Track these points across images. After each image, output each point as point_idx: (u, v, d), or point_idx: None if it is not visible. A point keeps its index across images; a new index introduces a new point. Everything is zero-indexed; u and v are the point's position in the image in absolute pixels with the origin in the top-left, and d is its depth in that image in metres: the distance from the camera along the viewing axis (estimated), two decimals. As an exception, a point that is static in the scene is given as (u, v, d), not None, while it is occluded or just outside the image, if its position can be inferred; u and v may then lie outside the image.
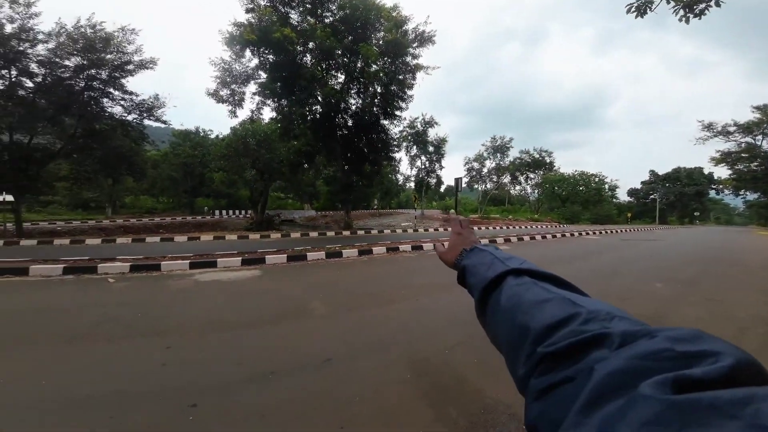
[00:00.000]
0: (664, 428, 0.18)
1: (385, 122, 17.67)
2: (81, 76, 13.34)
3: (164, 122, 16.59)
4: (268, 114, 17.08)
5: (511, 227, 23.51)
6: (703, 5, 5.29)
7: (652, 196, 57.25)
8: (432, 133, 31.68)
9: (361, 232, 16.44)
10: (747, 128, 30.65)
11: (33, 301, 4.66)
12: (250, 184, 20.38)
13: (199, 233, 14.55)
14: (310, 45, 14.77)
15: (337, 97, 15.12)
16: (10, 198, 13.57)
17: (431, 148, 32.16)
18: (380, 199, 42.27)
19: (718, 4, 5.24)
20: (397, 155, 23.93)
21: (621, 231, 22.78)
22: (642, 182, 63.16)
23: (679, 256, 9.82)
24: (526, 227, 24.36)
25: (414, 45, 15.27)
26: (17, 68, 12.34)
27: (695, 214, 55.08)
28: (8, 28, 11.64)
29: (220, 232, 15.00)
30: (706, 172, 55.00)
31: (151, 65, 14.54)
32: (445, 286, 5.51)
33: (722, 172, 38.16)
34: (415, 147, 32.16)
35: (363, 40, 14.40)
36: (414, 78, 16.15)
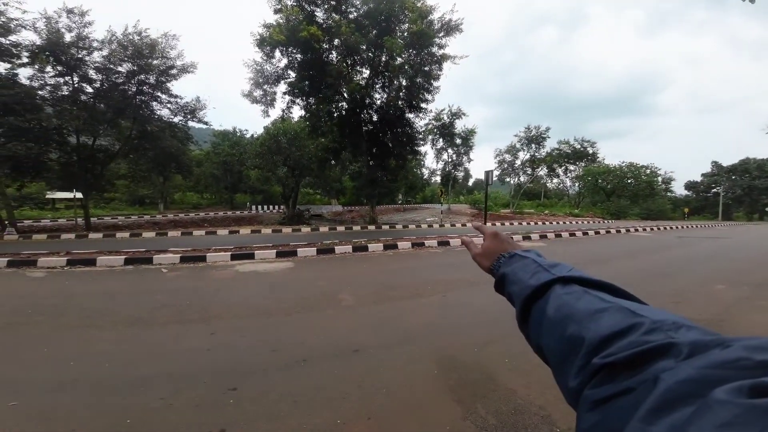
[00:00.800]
0: (744, 428, 0.17)
1: (411, 115, 17.39)
2: (132, 81, 14.46)
3: (206, 123, 17.61)
4: (297, 113, 17.46)
5: (547, 223, 21.86)
6: None
7: (714, 190, 50.91)
8: (459, 125, 30.40)
9: (386, 227, 16.48)
10: None
11: (100, 288, 5.23)
12: (282, 180, 21.18)
13: (239, 227, 15.42)
14: (336, 42, 14.81)
15: (362, 92, 15.10)
16: (79, 195, 15.24)
17: (458, 141, 31.03)
18: (404, 194, 41.74)
19: None
20: (422, 149, 23.49)
21: (677, 227, 20.47)
22: (703, 174, 56.19)
23: (748, 256, 8.65)
24: (564, 223, 22.47)
25: (440, 35, 14.76)
26: (78, 74, 13.62)
27: (767, 209, 47.85)
28: (67, 37, 12.82)
29: (257, 226, 15.79)
30: None
31: (192, 69, 15.40)
32: (473, 283, 5.36)
33: None
34: (441, 140, 31.17)
35: (387, 33, 14.18)
36: (440, 68, 15.66)
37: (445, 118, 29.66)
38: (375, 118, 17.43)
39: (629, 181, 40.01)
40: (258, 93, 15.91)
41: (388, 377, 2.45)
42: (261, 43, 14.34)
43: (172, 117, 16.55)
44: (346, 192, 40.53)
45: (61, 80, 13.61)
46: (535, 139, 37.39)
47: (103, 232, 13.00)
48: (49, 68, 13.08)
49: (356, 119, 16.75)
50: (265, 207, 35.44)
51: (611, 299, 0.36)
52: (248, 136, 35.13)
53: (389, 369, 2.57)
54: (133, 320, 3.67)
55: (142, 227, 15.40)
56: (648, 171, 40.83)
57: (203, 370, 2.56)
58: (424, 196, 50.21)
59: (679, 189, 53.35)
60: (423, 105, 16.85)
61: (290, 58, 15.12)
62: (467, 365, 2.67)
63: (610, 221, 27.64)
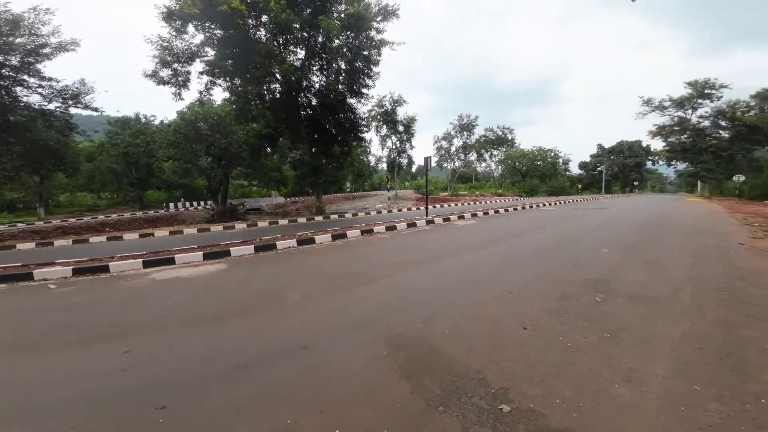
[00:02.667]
0: None
1: (352, 101, 17.22)
2: None
3: (95, 109, 15.03)
4: (220, 95, 15.97)
5: (478, 203, 25.25)
6: None
7: (599, 168, 63.18)
8: (401, 113, 31.53)
9: (334, 217, 16.27)
10: (679, 103, 34.26)
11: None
12: (206, 172, 19.21)
13: (153, 229, 13.59)
14: (264, 18, 13.77)
15: (298, 74, 14.41)
16: None
17: (401, 128, 32.10)
18: (353, 181, 42.11)
19: None
20: (367, 136, 23.61)
21: (573, 201, 24.98)
22: (590, 155, 69.93)
23: (622, 224, 10.76)
24: (491, 201, 26.43)
25: (377, 19, 14.79)
26: None
27: (635, 183, 62.55)
28: None
29: (177, 227, 14.12)
30: (644, 144, 61.99)
31: (72, 47, 12.96)
32: (419, 263, 5.78)
33: (658, 144, 43.37)
34: (385, 127, 31.92)
35: (323, 12, 13.68)
36: (379, 54, 15.74)
37: (387, 105, 30.39)
38: (314, 102, 16.85)
39: (539, 163, 48.71)
40: (166, 73, 14.03)
41: (339, 368, 2.48)
42: (168, 16, 12.61)
43: (46, 104, 13.73)
44: (287, 182, 38.70)
45: None
46: (466, 126, 43.17)
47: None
48: None
49: (293, 103, 15.96)
50: (187, 204, 31.83)
51: None
52: (157, 122, 30.85)
53: (340, 359, 2.60)
54: (22, 345, 3.03)
55: (15, 237, 12.57)
56: (552, 154, 50.24)
57: (122, 391, 2.26)
58: (372, 183, 52.06)
59: (574, 168, 65.69)
60: (364, 90, 16.82)
61: (208, 34, 13.63)
62: (413, 341, 2.85)
63: (525, 198, 33.45)
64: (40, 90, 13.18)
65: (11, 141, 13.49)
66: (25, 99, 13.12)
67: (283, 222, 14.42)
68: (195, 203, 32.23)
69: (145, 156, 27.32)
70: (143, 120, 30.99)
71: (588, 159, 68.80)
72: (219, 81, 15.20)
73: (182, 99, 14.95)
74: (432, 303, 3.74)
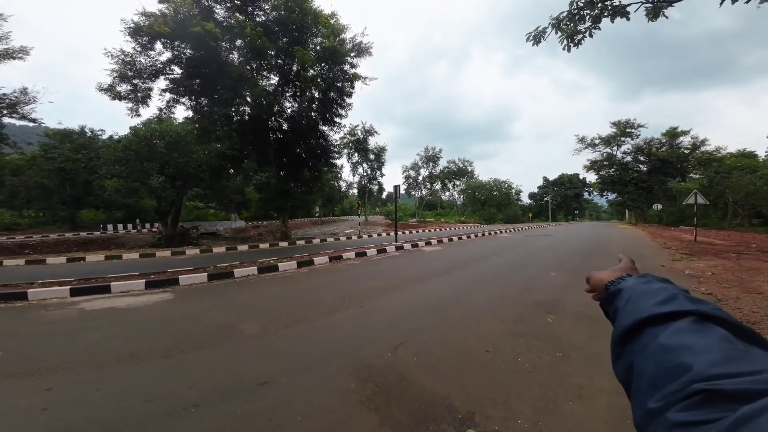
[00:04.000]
0: None
1: (325, 128, 17.64)
2: None
3: (33, 120, 13.89)
4: (182, 113, 15.56)
5: (443, 229, 27.11)
6: (580, 36, 6.82)
7: (546, 198, 71.73)
8: (372, 142, 33.54)
9: (301, 242, 15.83)
10: (607, 141, 41.19)
11: None
12: (156, 192, 17.99)
13: (84, 253, 12.21)
14: (238, 42, 14.08)
15: (269, 99, 14.61)
16: None
17: (372, 156, 33.63)
18: (322, 206, 42.05)
19: (590, 35, 6.86)
20: (338, 162, 24.07)
21: (525, 228, 28.00)
22: (538, 187, 79.23)
23: (566, 248, 12.07)
24: (455, 228, 28.54)
25: (351, 54, 15.75)
26: None
27: (575, 212, 72.19)
28: None
29: (115, 251, 12.84)
30: (581, 177, 71.51)
31: (20, 55, 12.23)
32: (387, 289, 5.82)
33: (592, 177, 50.18)
34: (356, 154, 33.21)
35: (299, 43, 14.32)
36: (352, 86, 16.57)
37: (359, 134, 31.82)
38: (285, 126, 16.99)
39: (495, 193, 54.92)
40: (124, 88, 13.53)
41: (303, 403, 2.35)
42: (136, 32, 12.46)
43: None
44: (250, 205, 37.22)
45: None
46: (431, 158, 47.34)
47: None
48: None
49: (262, 126, 15.96)
50: (129, 226, 29.20)
51: (746, 346, 0.37)
52: (105, 137, 28.94)
53: (303, 394, 2.48)
54: None
55: None
56: (506, 185, 57.01)
57: (33, 440, 1.93)
58: (342, 209, 53.12)
59: (525, 198, 74.48)
60: (336, 119, 17.38)
61: (176, 53, 13.55)
62: (381, 371, 2.82)
63: (483, 225, 37.10)
64: None
65: None
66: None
67: (243, 248, 13.74)
68: (139, 225, 29.72)
69: (85, 172, 25.20)
70: (89, 134, 28.89)
71: (536, 190, 78.12)
72: (183, 99, 14.89)
73: (139, 115, 14.34)
74: (400, 330, 3.76)
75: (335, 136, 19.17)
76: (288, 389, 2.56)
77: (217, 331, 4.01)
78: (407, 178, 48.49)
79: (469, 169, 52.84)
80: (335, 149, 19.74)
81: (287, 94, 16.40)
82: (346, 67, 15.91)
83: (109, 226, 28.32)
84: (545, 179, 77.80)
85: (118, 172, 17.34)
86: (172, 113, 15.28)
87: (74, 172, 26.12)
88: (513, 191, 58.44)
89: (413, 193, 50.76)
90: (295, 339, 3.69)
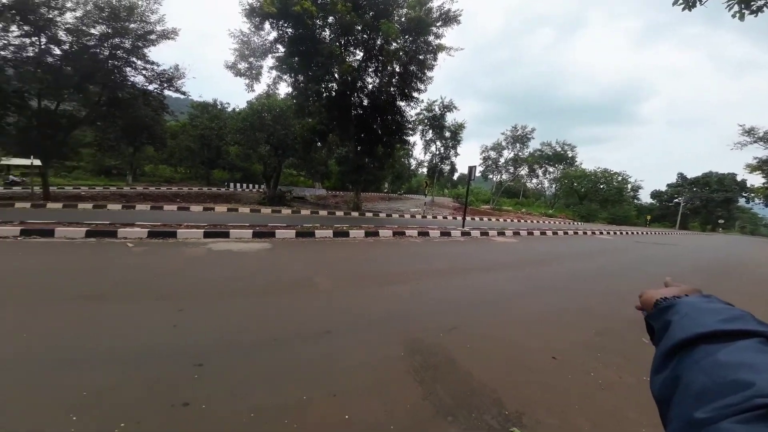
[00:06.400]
0: None
1: (402, 104, 17.29)
2: (105, 45, 13.46)
3: (183, 93, 16.72)
4: (284, 89, 17.00)
5: (522, 221, 23.25)
6: (762, 1, 4.79)
7: (676, 200, 54.61)
8: (450, 118, 30.58)
9: (369, 215, 16.54)
10: None
11: (57, 261, 4.96)
12: (264, 159, 20.60)
13: (214, 204, 14.93)
14: (330, 19, 14.33)
15: (354, 75, 14.80)
16: (38, 162, 14.18)
17: (447, 134, 31.27)
18: (391, 182, 42.07)
19: None
20: (411, 138, 23.56)
21: (637, 233, 21.95)
22: (668, 185, 60.67)
23: (690, 263, 9.60)
24: (538, 222, 23.92)
25: (438, 24, 14.62)
26: (47, 36, 12.53)
27: (720, 221, 52.55)
28: None
29: (234, 205, 15.36)
30: (739, 179, 52.17)
31: (173, 36, 14.51)
32: (447, 272, 5.63)
33: (757, 180, 34.98)
34: (431, 131, 31.32)
35: (384, 16, 13.87)
36: (435, 59, 15.57)
37: (437, 109, 29.74)
38: (365, 102, 17.20)
39: (602, 186, 42.77)
40: (243, 66, 15.25)
41: (357, 358, 2.53)
42: (250, 13, 13.67)
43: (147, 84, 15.61)
44: (331, 176, 39.95)
45: (27, 41, 12.48)
46: (520, 138, 38.80)
47: (63, 202, 12.24)
48: (14, 27, 11.95)
49: (346, 102, 16.46)
50: (244, 185, 34.39)
51: None
52: (230, 109, 33.66)
53: (358, 350, 2.65)
54: (93, 295, 3.53)
55: (107, 199, 14.60)
56: (620, 178, 43.74)
57: (168, 346, 2.53)
58: (410, 186, 50.87)
59: (645, 197, 57.32)
60: (415, 94, 16.78)
61: (280, 32, 14.52)
62: (431, 349, 2.79)
63: (579, 223, 29.61)
64: (144, 72, 14.98)
65: (117, 115, 15.63)
66: (131, 79, 15.04)
67: (323, 213, 15.00)
68: (250, 185, 34.71)
69: (216, 139, 30.03)
70: (219, 106, 34.02)
71: (664, 188, 60.19)
72: (285, 77, 16.16)
73: (253, 91, 16.20)
74: (456, 315, 3.62)
75: (411, 112, 18.64)
76: (346, 343, 2.78)
77: (298, 280, 4.53)
78: (486, 159, 41.28)
79: (569, 155, 43.20)
80: (410, 125, 19.27)
81: (369, 70, 16.35)
82: (431, 37, 14.90)
83: (231, 185, 33.83)
84: (681, 176, 59.21)
85: (238, 140, 20.23)
86: (277, 89, 16.84)
87: (209, 138, 31.39)
88: (628, 186, 44.93)
89: (491, 176, 43.22)
90: (358, 299, 3.93)
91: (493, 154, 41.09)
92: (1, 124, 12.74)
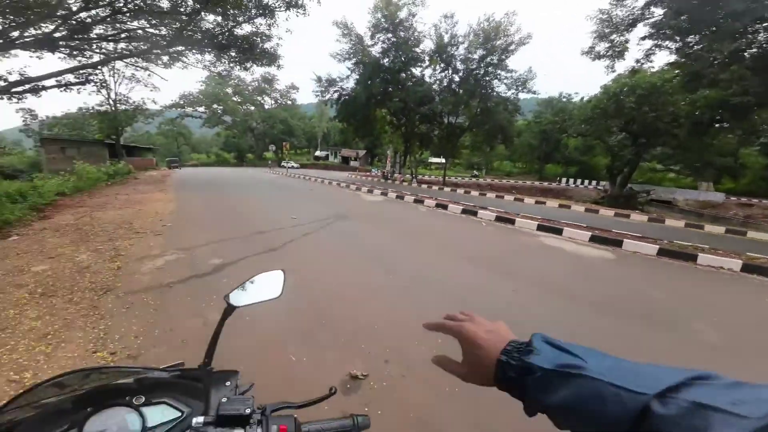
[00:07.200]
0: None
1: None
2: (482, 64, 17.34)
3: (534, 93, 17.85)
4: (661, 60, 12.70)
5: None
6: None
7: None
8: None
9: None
10: None
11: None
12: (612, 149, 17.22)
13: (545, 198, 15.01)
14: None
15: None
16: (441, 160, 21.84)
17: None
18: None
19: None
20: None
21: None
22: None
23: None
24: None
25: None
26: (451, 68, 18.41)
27: None
28: (445, 38, 17.25)
29: (565, 201, 14.50)
30: None
31: (526, 40, 15.68)
32: None
33: None
34: None
35: None
36: None
37: None
38: None
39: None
40: (603, 46, 13.27)
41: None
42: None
43: (506, 92, 18.29)
44: (741, 173, 25.71)
45: (442, 75, 19.23)
46: None
47: (450, 187, 17.93)
48: (437, 67, 18.82)
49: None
50: (578, 181, 31.34)
51: None
52: (575, 100, 31.30)
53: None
54: (470, 257, 4.84)
55: (469, 187, 19.45)
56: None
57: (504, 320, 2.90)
58: None
59: None
60: None
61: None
62: None
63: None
64: (505, 81, 17.83)
65: (484, 121, 20.11)
66: (497, 89, 18.46)
67: (709, 228, 9.83)
68: (585, 181, 30.91)
69: (557, 132, 29.53)
70: (564, 99, 32.89)
71: None
72: (666, 43, 12.07)
73: (614, 71, 13.80)
74: None
75: None
76: None
77: (653, 312, 3.35)
78: None
79: None
80: None
81: None
82: None
83: (563, 180, 32.14)
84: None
85: (583, 130, 18.49)
86: (651, 61, 13.05)
87: (550, 132, 31.55)
88: None
89: None
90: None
91: None
92: (432, 136, 20.84)
